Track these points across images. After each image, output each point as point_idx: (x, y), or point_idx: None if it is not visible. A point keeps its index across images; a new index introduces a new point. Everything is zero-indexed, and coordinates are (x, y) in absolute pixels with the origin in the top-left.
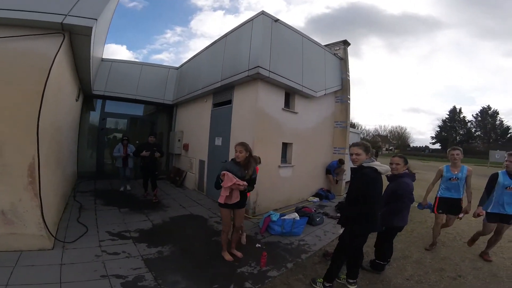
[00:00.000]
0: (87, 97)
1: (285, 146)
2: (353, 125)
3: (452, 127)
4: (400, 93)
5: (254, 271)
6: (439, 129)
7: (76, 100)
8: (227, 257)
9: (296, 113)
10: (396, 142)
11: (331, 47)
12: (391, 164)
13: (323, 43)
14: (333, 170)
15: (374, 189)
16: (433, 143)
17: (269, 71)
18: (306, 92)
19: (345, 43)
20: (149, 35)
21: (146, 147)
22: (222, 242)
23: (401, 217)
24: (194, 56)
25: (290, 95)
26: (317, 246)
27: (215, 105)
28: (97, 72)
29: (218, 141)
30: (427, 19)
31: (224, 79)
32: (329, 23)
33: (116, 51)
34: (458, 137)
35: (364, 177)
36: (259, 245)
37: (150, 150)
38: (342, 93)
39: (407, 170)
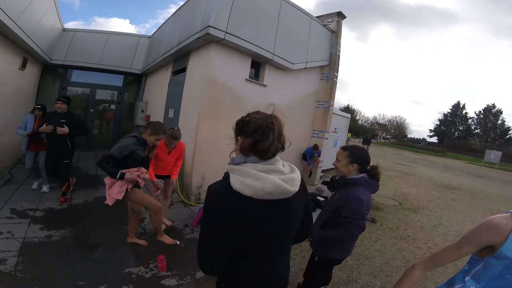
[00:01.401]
0: (48, 67)
1: None
2: (352, 111)
3: (452, 122)
4: (404, 83)
5: (146, 275)
6: (438, 123)
7: (21, 69)
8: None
9: (264, 86)
10: (393, 132)
11: (323, 19)
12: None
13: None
14: (308, 157)
15: (216, 227)
16: (431, 136)
17: (226, 32)
18: (278, 62)
19: (340, 15)
20: (152, 10)
21: (51, 119)
22: (131, 227)
23: (342, 249)
24: (164, 22)
25: (260, 65)
26: None
27: (174, 73)
28: (56, 42)
29: (171, 113)
30: (444, 12)
31: (179, 44)
32: (339, 7)
33: (118, 25)
34: (456, 133)
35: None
36: (178, 242)
37: (55, 123)
38: (329, 70)
39: (364, 174)
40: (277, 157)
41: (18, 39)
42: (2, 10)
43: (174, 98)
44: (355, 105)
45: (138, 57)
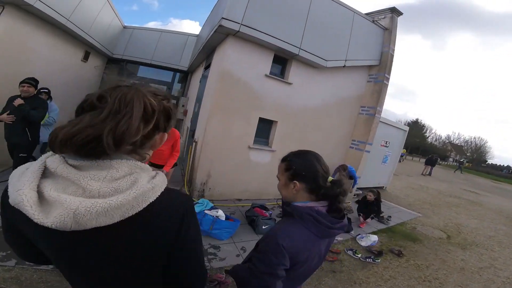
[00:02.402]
0: (112, 60)
1: (268, 124)
2: (421, 126)
3: None
4: (490, 98)
5: None
6: None
7: (84, 61)
8: None
9: (289, 83)
10: (470, 155)
11: (374, 15)
12: None
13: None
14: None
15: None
16: None
17: (241, 24)
18: (307, 58)
19: (394, 11)
20: None
21: (12, 105)
22: None
23: None
24: (206, 20)
25: (287, 61)
26: (214, 264)
27: (205, 69)
28: (117, 38)
29: (197, 108)
30: None
31: (206, 39)
32: (412, 15)
33: (189, 26)
34: None
35: None
36: None
37: (15, 109)
38: (379, 70)
39: (317, 204)
40: (116, 162)
41: (75, 34)
42: (52, 9)
43: (200, 93)
44: (425, 120)
45: (186, 54)
